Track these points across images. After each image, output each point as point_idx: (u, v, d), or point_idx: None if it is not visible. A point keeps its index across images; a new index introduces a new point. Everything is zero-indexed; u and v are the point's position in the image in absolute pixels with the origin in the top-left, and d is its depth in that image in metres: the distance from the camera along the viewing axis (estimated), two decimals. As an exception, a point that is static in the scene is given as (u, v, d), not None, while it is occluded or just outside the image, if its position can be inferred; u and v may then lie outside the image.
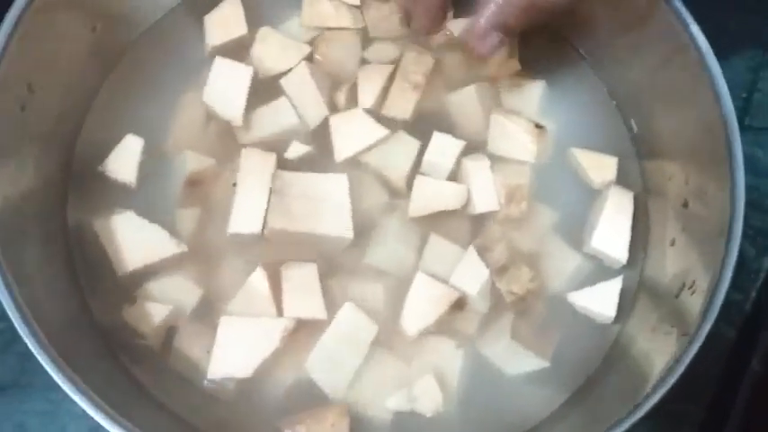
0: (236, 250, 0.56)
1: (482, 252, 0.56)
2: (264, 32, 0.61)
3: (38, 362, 0.45)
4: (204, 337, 0.53)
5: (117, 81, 0.61)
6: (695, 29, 0.52)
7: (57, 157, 0.57)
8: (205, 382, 0.53)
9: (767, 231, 0.65)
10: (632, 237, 0.57)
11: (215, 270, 0.56)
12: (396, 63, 0.61)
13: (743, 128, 0.51)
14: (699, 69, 0.51)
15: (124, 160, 0.57)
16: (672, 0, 0.52)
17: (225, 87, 0.59)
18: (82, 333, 0.53)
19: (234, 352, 0.52)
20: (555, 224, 0.58)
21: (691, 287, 0.51)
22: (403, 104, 0.60)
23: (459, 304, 0.55)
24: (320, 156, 0.59)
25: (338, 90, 0.60)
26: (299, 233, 0.55)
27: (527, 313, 0.56)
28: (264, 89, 0.60)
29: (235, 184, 0.56)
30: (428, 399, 0.53)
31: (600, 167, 0.59)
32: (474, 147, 0.59)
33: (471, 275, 0.55)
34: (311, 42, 0.62)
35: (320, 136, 0.59)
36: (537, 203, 0.59)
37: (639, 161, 0.60)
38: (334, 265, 0.56)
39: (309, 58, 0.61)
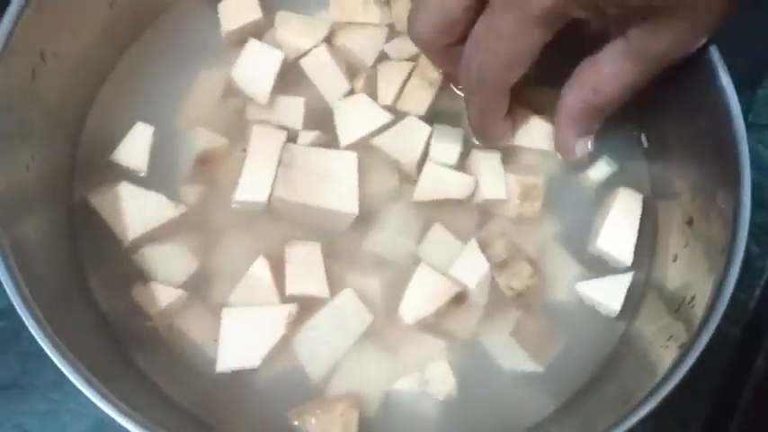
0: (240, 226, 0.56)
1: (482, 247, 0.56)
2: (283, 16, 0.62)
3: (38, 362, 0.45)
4: (207, 321, 0.54)
5: (131, 60, 0.62)
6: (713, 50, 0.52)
7: (64, 137, 0.58)
8: (213, 373, 0.53)
9: (772, 229, 0.65)
10: (639, 244, 0.57)
11: (216, 246, 0.56)
12: (415, 60, 0.61)
13: (746, 125, 0.51)
14: (710, 86, 0.51)
15: (134, 149, 0.58)
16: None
17: (254, 68, 0.60)
18: (84, 319, 0.53)
19: (240, 344, 0.53)
20: (560, 231, 0.58)
21: (691, 300, 0.51)
22: (418, 100, 0.60)
23: (459, 299, 0.55)
24: (332, 141, 0.59)
25: (356, 77, 0.61)
26: (302, 205, 0.55)
27: (533, 315, 0.56)
28: (287, 72, 0.60)
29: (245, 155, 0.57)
30: (440, 382, 0.53)
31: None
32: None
33: (471, 268, 0.55)
34: (330, 30, 0.62)
35: (330, 121, 0.60)
36: (544, 208, 0.58)
37: (649, 175, 0.61)
38: (334, 248, 0.56)
39: (329, 41, 0.62)
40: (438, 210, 0.57)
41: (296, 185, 0.56)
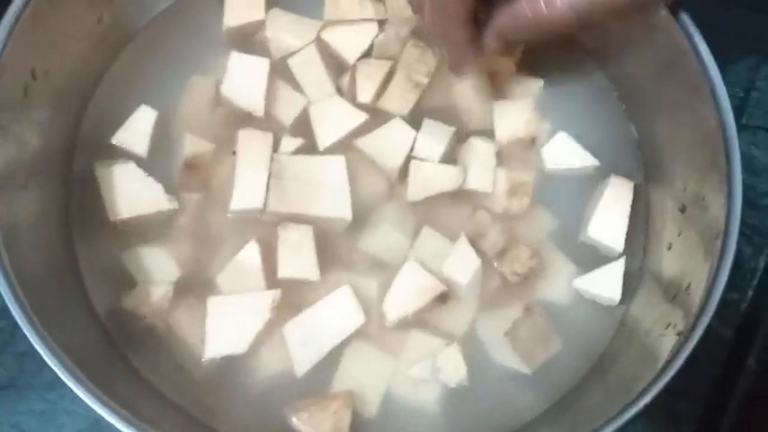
0: (234, 232, 0.56)
1: (477, 238, 0.56)
2: (274, 14, 0.62)
3: (35, 362, 0.45)
4: (200, 319, 0.54)
5: (128, 59, 0.62)
6: (698, 38, 0.52)
7: (65, 125, 0.58)
8: (203, 362, 0.53)
9: (763, 230, 0.65)
10: (632, 232, 0.57)
11: (212, 250, 0.56)
12: (395, 60, 0.61)
13: (739, 127, 0.51)
14: (700, 78, 0.51)
15: (136, 131, 0.58)
16: (679, 14, 0.52)
17: (243, 80, 0.59)
18: (78, 318, 0.54)
19: (226, 330, 0.53)
20: (553, 227, 0.59)
21: (687, 288, 0.51)
22: (402, 101, 0.60)
23: (443, 298, 0.55)
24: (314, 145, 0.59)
25: (344, 74, 0.61)
26: (296, 215, 0.55)
27: (532, 316, 0.56)
28: (273, 73, 0.60)
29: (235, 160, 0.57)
30: (452, 369, 0.54)
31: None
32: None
33: (462, 265, 0.55)
34: (321, 28, 0.62)
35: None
36: (536, 205, 0.59)
37: (640, 166, 0.61)
38: (330, 251, 0.56)
39: (319, 40, 0.62)
40: (431, 204, 0.57)
41: (289, 196, 0.56)
